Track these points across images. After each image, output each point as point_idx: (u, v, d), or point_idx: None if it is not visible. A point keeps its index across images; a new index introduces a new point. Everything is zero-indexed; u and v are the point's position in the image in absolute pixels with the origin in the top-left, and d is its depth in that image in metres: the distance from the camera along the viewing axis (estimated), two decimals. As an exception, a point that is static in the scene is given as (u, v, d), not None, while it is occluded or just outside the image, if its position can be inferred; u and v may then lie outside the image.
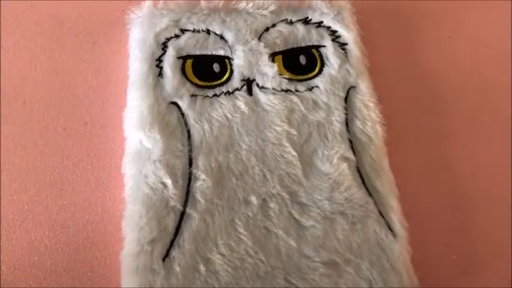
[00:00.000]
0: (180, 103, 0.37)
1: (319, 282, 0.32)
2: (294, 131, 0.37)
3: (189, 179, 0.34)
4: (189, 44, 0.39)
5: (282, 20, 0.41)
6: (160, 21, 0.39)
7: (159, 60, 0.38)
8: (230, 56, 0.39)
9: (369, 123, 0.37)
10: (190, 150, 0.35)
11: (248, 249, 0.32)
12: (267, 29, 0.40)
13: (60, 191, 0.37)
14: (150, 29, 0.39)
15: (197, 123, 0.36)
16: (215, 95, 0.37)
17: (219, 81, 0.38)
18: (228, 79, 0.38)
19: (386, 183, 0.35)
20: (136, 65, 0.38)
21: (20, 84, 0.41)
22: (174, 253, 0.32)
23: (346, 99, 0.38)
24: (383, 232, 0.34)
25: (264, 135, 0.36)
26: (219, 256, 0.32)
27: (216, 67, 0.39)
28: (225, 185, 0.34)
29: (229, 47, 0.39)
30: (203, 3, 0.41)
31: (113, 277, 0.34)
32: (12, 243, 0.35)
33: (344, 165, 0.35)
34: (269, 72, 0.38)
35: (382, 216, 0.34)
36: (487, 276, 0.37)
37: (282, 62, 0.39)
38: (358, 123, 0.37)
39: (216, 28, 0.40)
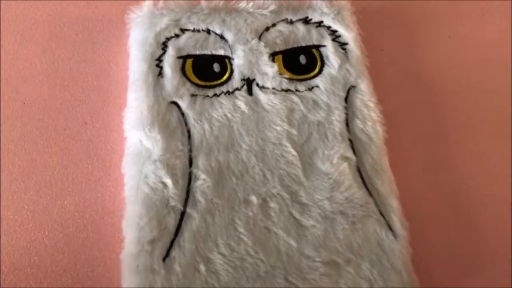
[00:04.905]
0: (180, 103, 0.37)
1: (319, 282, 0.32)
2: (294, 131, 0.37)
3: (189, 178, 0.34)
4: (189, 43, 0.39)
5: (282, 20, 0.41)
6: (160, 20, 0.39)
7: (159, 60, 0.38)
8: (230, 55, 0.39)
9: (369, 123, 0.37)
10: (190, 150, 0.35)
11: (248, 249, 0.32)
12: (267, 29, 0.40)
13: (60, 191, 0.37)
14: (150, 29, 0.39)
15: (197, 123, 0.36)
16: (215, 94, 0.37)
17: (219, 81, 0.38)
18: (228, 79, 0.38)
19: (386, 183, 0.35)
20: (136, 64, 0.38)
21: (20, 84, 0.41)
22: (175, 253, 0.32)
23: (346, 99, 0.38)
24: (383, 232, 0.34)
25: (264, 135, 0.36)
26: (219, 256, 0.32)
27: (216, 67, 0.39)
28: (225, 184, 0.34)
29: (229, 47, 0.39)
30: (203, 3, 0.41)
31: (113, 277, 0.34)
32: (12, 243, 0.35)
33: (344, 165, 0.35)
34: (269, 72, 0.38)
35: (383, 216, 0.34)
36: (487, 276, 0.37)
37: (282, 62, 0.39)
38: (358, 123, 0.37)
39: (216, 28, 0.40)
